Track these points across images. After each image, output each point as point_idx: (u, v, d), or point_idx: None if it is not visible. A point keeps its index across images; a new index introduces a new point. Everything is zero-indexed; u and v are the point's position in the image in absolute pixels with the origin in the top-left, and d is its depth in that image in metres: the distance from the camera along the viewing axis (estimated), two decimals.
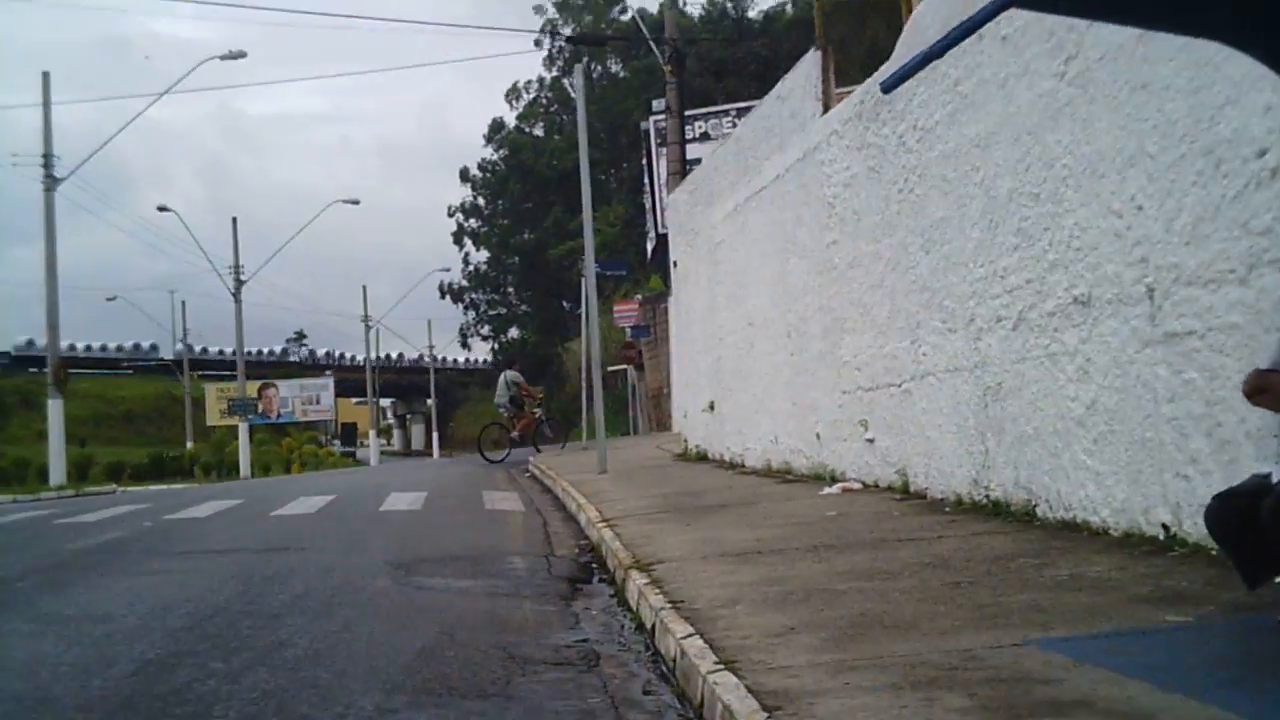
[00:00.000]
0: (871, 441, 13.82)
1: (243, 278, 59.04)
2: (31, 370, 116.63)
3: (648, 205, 60.96)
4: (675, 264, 23.35)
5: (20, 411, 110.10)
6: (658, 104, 56.40)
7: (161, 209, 56.96)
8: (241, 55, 48.98)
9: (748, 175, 18.21)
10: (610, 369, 52.82)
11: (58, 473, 40.10)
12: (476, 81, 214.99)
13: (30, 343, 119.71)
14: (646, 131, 59.30)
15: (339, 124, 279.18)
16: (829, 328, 14.91)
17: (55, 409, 40.61)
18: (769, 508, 12.87)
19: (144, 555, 13.13)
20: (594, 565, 11.31)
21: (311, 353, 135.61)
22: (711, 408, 20.84)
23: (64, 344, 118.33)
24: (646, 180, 58.78)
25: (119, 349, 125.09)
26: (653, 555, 9.91)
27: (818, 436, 15.56)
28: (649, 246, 62.97)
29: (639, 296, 54.74)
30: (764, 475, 17.18)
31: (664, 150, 56.40)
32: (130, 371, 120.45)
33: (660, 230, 57.54)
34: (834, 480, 14.75)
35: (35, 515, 21.02)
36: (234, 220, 59.72)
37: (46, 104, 39.07)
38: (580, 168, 21.45)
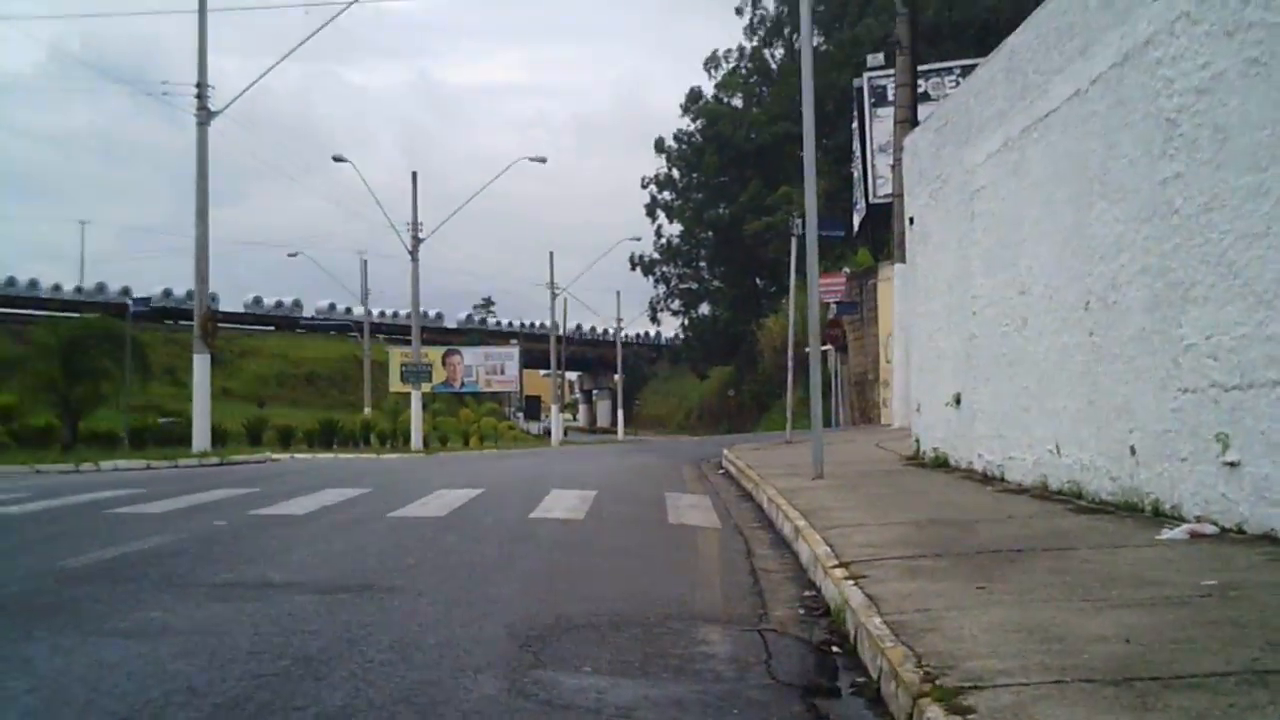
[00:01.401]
0: (1234, 465, 9.40)
1: (420, 235, 55.55)
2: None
3: (856, 174, 56.28)
4: (911, 221, 19.00)
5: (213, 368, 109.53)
6: (873, 59, 51.97)
7: (337, 159, 53.56)
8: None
9: (1027, 97, 13.76)
10: (807, 349, 48.38)
11: (202, 437, 36.61)
12: (676, 58, 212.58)
13: (213, 296, 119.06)
14: (859, 89, 54.48)
15: (537, 97, 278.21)
16: (1160, 297, 10.49)
17: (201, 365, 37.18)
18: (1094, 561, 8.45)
19: (156, 588, 8.87)
20: (835, 647, 7.08)
21: (498, 321, 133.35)
22: (957, 402, 16.50)
23: (250, 298, 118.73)
24: (857, 145, 54.25)
25: (294, 304, 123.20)
26: (950, 658, 5.67)
27: (1132, 451, 11.12)
28: (856, 219, 58.57)
29: (846, 270, 50.36)
30: (1041, 497, 12.78)
31: (879, 111, 52.26)
32: (303, 330, 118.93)
33: (872, 200, 53.15)
34: (1162, 515, 10.38)
35: (103, 497, 17.04)
36: (414, 175, 56.20)
37: (202, 31, 35.59)
38: (802, 95, 17.27)
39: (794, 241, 25.74)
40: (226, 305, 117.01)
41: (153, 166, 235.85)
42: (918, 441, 19.03)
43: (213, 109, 36.74)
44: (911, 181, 19.16)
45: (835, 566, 8.76)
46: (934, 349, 17.89)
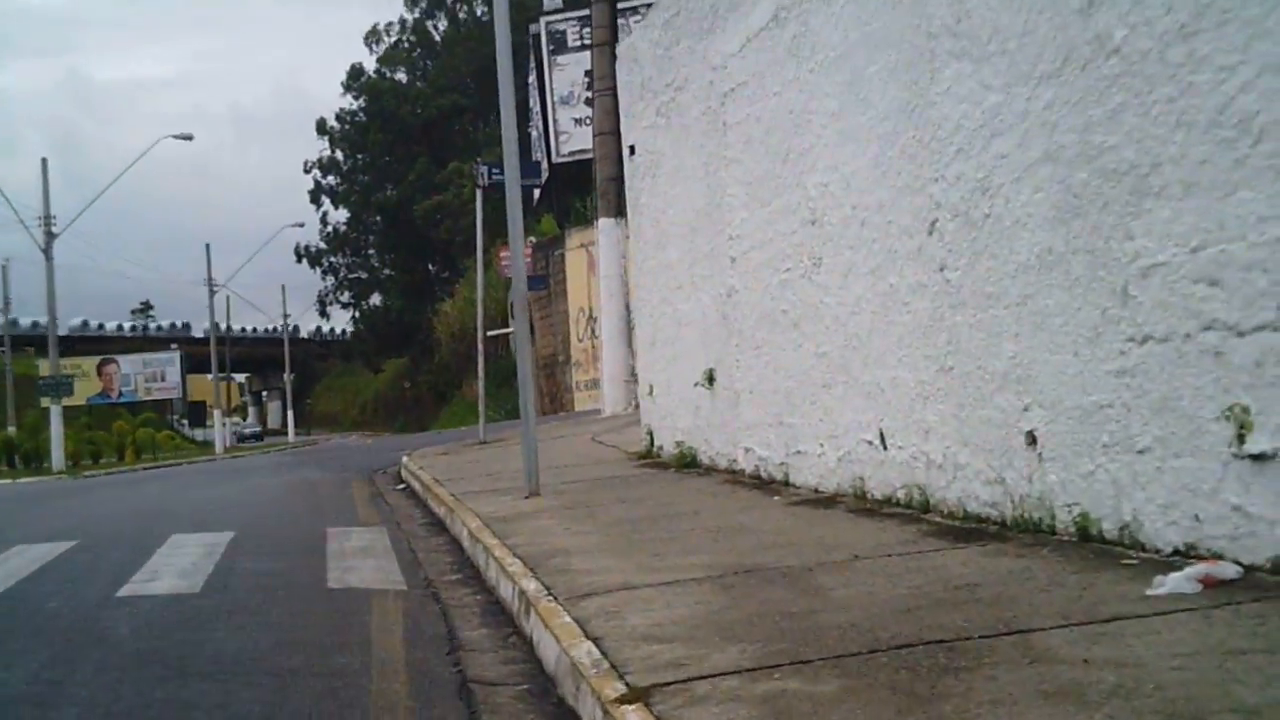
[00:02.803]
0: (1262, 459, 5.49)
1: (54, 230, 49.29)
2: None
3: (535, 134, 52.08)
4: (632, 151, 14.81)
5: None
6: (549, 1, 47.97)
7: None
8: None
9: None
10: (491, 333, 44.35)
11: None
12: (337, 45, 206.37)
13: None
14: (536, 36, 50.19)
15: (192, 90, 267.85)
16: (1081, 197, 6.52)
17: None
18: (1100, 667, 4.38)
19: None
20: None
21: (159, 326, 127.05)
22: (709, 380, 12.41)
23: None
24: (536, 100, 49.94)
25: None
26: None
27: (1030, 440, 7.14)
28: (537, 184, 54.56)
29: (531, 240, 46.15)
30: (865, 511, 8.75)
31: (559, 59, 48.24)
32: None
33: (556, 159, 49.07)
34: (1103, 541, 6.53)
35: None
36: (43, 161, 49.73)
37: None
38: (494, 7, 13.00)
39: (479, 198, 21.27)
40: None
41: None
42: (651, 434, 14.90)
43: None
44: (630, 100, 14.96)
45: (619, 701, 4.55)
46: (670, 314, 13.78)
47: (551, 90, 48.20)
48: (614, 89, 23.91)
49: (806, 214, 9.99)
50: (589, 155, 46.39)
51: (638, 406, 24.16)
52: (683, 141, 12.97)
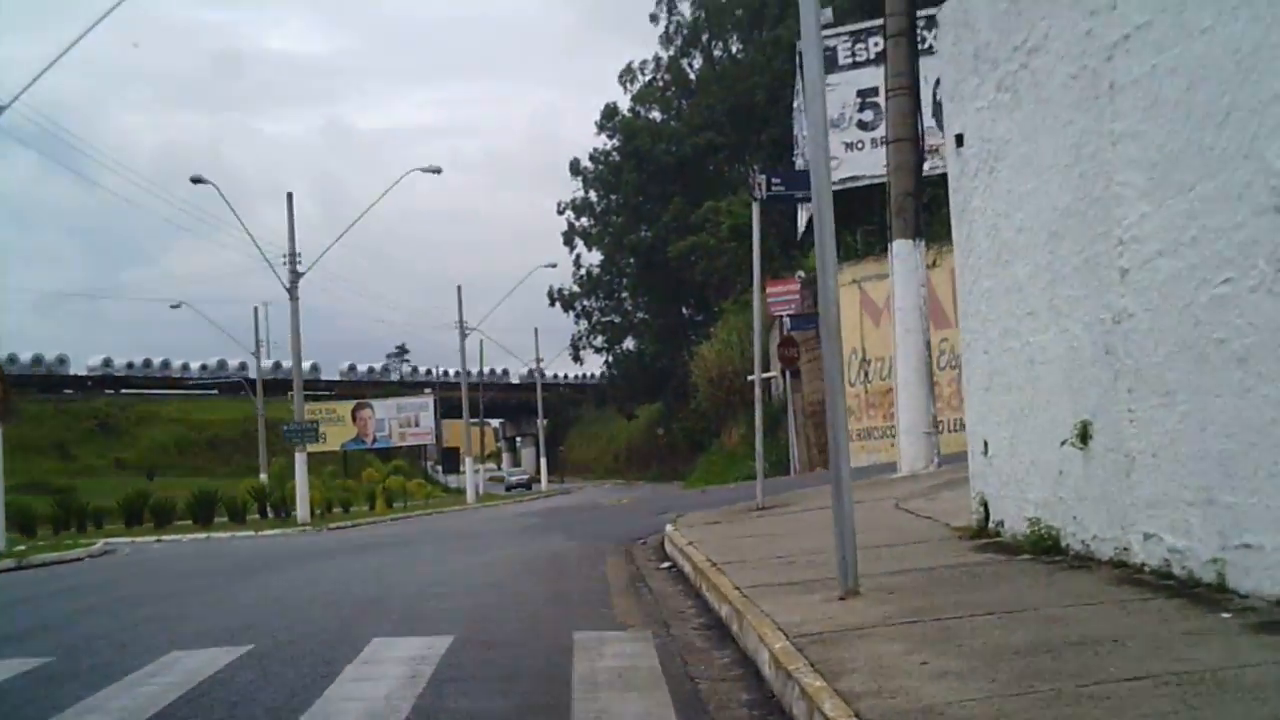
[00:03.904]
0: None
1: (299, 268, 47.73)
2: (108, 392, 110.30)
3: (800, 164, 48.85)
4: (960, 141, 11.55)
5: (99, 437, 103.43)
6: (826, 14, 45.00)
7: (196, 180, 45.58)
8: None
9: None
10: (751, 378, 41.32)
11: None
12: (591, 88, 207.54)
13: (107, 361, 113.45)
14: (802, 56, 47.00)
15: (449, 136, 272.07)
16: None
17: None
18: None
19: None
20: None
21: (414, 369, 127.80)
22: (1083, 438, 9.13)
23: (138, 361, 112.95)
24: (801, 128, 46.65)
25: (202, 367, 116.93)
26: None
27: None
28: (803, 216, 51.28)
29: (800, 274, 42.93)
30: None
31: (830, 79, 44.78)
32: (215, 391, 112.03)
33: None
34: None
35: None
36: (289, 196, 48.05)
37: None
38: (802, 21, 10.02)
39: (755, 214, 18.17)
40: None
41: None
42: (985, 506, 11.62)
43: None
44: (957, 77, 11.74)
45: None
46: (1017, 349, 10.53)
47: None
48: (910, 88, 20.79)
49: (1266, 196, 6.77)
50: (861, 182, 43.31)
51: (940, 464, 21.02)
52: (1038, 120, 9.76)
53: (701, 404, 69.14)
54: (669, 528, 16.45)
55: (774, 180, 17.87)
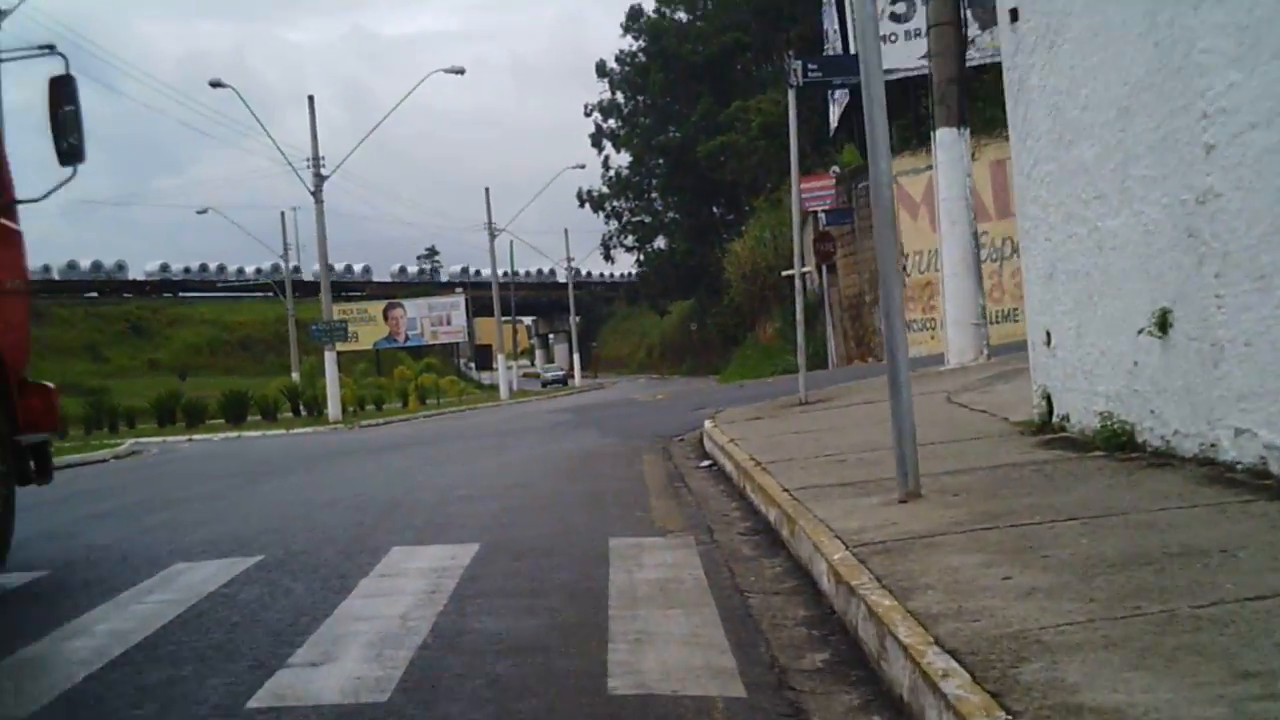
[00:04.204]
0: None
1: (323, 171, 47.08)
2: (126, 296, 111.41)
3: (831, 50, 47.75)
4: (1014, 15, 10.78)
5: (132, 339, 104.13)
6: None
7: (215, 84, 44.89)
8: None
9: None
10: (786, 273, 40.74)
11: None
12: None
13: (164, 267, 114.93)
14: None
15: (472, 42, 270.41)
16: None
17: None
18: None
19: None
20: None
21: (436, 269, 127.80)
22: (1162, 326, 8.40)
23: (194, 265, 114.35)
24: (830, 22, 45.66)
25: (238, 271, 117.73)
26: None
27: None
28: (835, 111, 50.31)
29: (834, 169, 42.15)
30: None
31: None
32: (269, 293, 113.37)
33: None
34: None
35: None
36: (310, 100, 47.33)
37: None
38: None
39: (791, 101, 17.26)
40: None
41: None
42: (1048, 399, 10.92)
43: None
44: None
45: None
46: (1083, 235, 9.78)
47: (852, 5, 43.90)
48: None
49: None
50: (896, 75, 42.31)
51: (990, 355, 20.31)
52: None
53: (735, 299, 68.90)
54: (708, 424, 15.79)
55: (810, 67, 17.01)
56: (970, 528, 6.81)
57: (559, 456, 16.11)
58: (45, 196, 10.21)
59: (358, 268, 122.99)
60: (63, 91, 10.03)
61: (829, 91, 51.02)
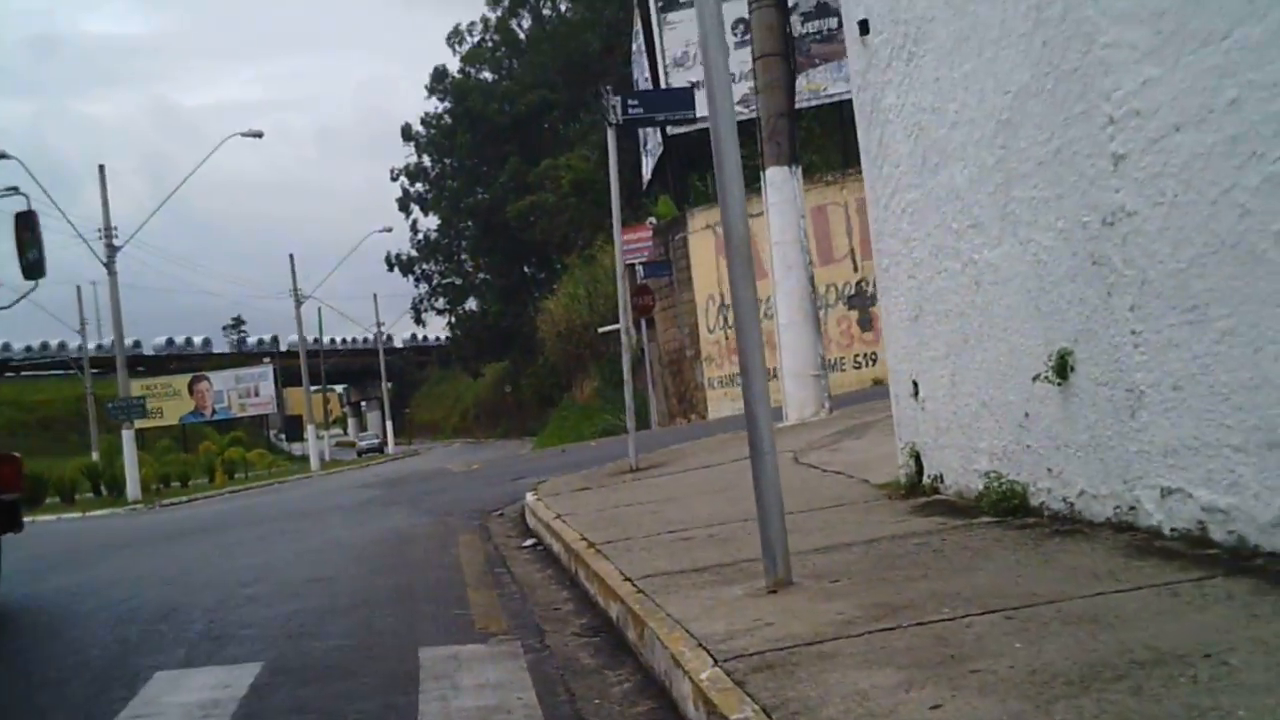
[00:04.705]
0: None
1: (115, 242, 44.91)
2: None
3: None
4: (864, 28, 9.52)
5: None
6: None
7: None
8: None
9: None
10: (603, 330, 39.69)
11: None
12: (419, 55, 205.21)
13: None
14: None
15: (275, 111, 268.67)
16: None
17: None
18: None
19: None
20: None
21: (257, 340, 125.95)
22: (1061, 371, 7.15)
23: None
24: (643, 71, 44.70)
25: (26, 349, 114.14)
26: None
27: None
28: (648, 164, 49.40)
29: (651, 221, 41.14)
30: None
31: (669, 17, 42.95)
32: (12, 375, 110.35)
33: (671, 131, 44.16)
34: None
35: None
36: (100, 169, 45.20)
37: None
38: None
39: (610, 141, 15.84)
40: None
41: None
42: (916, 457, 9.69)
43: None
44: None
45: None
46: (955, 270, 8.53)
47: (663, 53, 43.00)
48: None
49: None
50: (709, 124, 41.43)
51: (831, 409, 19.13)
52: None
53: (550, 359, 67.95)
54: (530, 496, 14.27)
55: (630, 103, 15.71)
56: (867, 628, 5.45)
57: (365, 541, 14.38)
58: (12, 305, 14.04)
59: (161, 340, 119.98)
60: (26, 223, 12.22)
61: (641, 144, 50.16)
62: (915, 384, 9.53)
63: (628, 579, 7.55)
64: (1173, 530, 6.39)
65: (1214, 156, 5.79)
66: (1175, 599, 5.25)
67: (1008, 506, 7.92)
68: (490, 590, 9.47)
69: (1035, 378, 7.45)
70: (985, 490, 8.25)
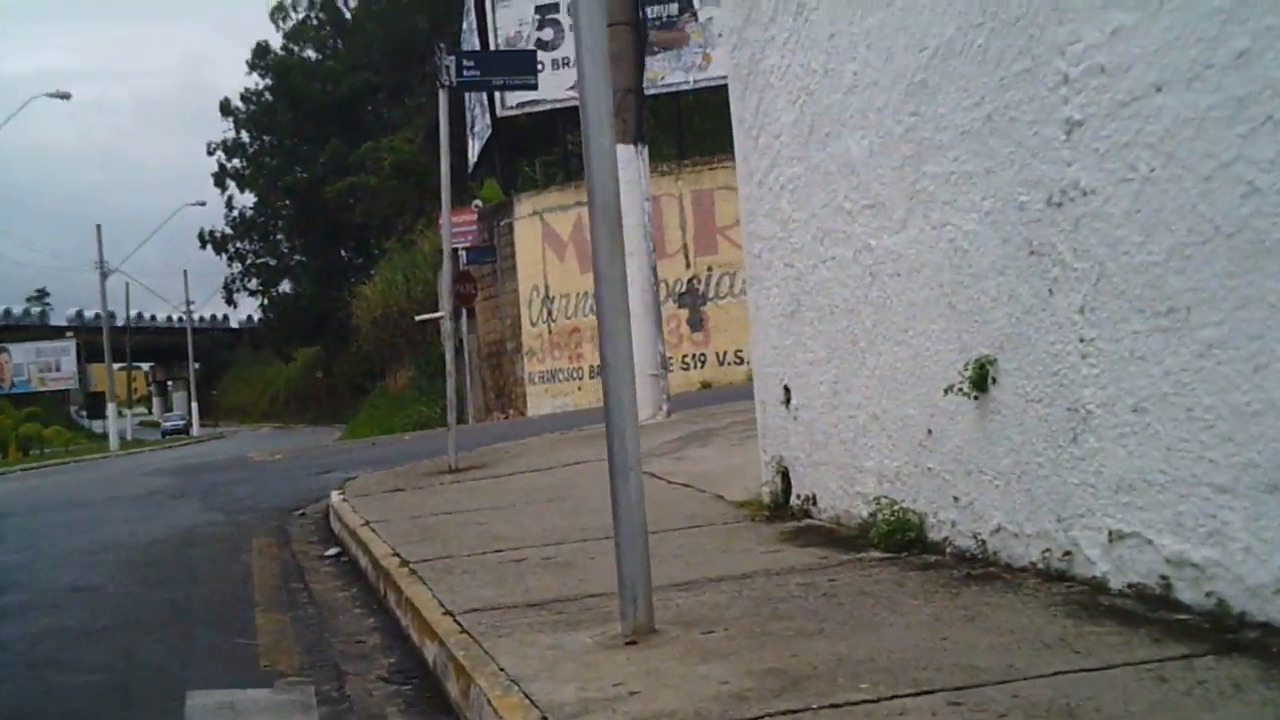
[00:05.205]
0: None
1: None
2: None
3: (470, 94, 45.51)
4: None
5: None
6: None
7: None
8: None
9: None
10: (421, 318, 38.14)
11: None
12: (245, 31, 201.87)
13: None
14: None
15: (96, 81, 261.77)
16: None
17: None
18: None
19: None
20: None
21: (46, 311, 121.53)
22: (979, 383, 5.97)
23: None
24: (477, 42, 43.09)
25: None
26: None
27: None
28: (475, 146, 47.87)
29: (476, 203, 39.70)
30: None
31: None
32: None
33: (502, 112, 42.73)
34: None
35: None
36: None
37: None
38: None
39: (443, 103, 14.32)
40: None
41: None
42: (784, 474, 8.45)
43: None
44: None
45: None
46: (844, 259, 7.28)
47: (495, 32, 41.48)
48: None
49: None
50: (543, 106, 40.39)
51: (670, 413, 17.86)
52: None
53: (364, 346, 66.16)
54: (335, 497, 12.76)
55: (466, 64, 14.22)
56: (765, 709, 4.16)
57: (146, 541, 12.65)
58: None
59: None
60: None
61: (469, 126, 48.61)
62: (787, 389, 8.27)
63: (448, 613, 6.20)
64: (1127, 586, 5.20)
65: (1209, 123, 4.61)
66: (1164, 686, 4.05)
67: (900, 540, 6.70)
68: (283, 613, 8.01)
69: (947, 389, 6.23)
70: (871, 518, 7.03)
